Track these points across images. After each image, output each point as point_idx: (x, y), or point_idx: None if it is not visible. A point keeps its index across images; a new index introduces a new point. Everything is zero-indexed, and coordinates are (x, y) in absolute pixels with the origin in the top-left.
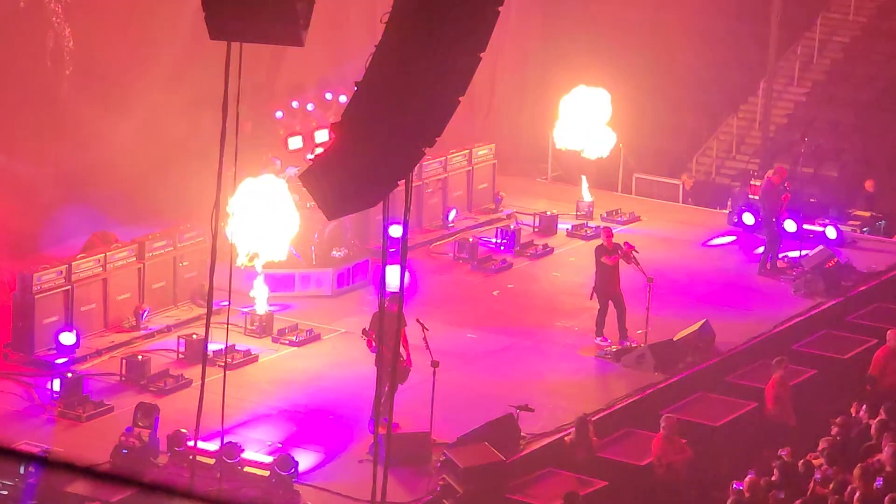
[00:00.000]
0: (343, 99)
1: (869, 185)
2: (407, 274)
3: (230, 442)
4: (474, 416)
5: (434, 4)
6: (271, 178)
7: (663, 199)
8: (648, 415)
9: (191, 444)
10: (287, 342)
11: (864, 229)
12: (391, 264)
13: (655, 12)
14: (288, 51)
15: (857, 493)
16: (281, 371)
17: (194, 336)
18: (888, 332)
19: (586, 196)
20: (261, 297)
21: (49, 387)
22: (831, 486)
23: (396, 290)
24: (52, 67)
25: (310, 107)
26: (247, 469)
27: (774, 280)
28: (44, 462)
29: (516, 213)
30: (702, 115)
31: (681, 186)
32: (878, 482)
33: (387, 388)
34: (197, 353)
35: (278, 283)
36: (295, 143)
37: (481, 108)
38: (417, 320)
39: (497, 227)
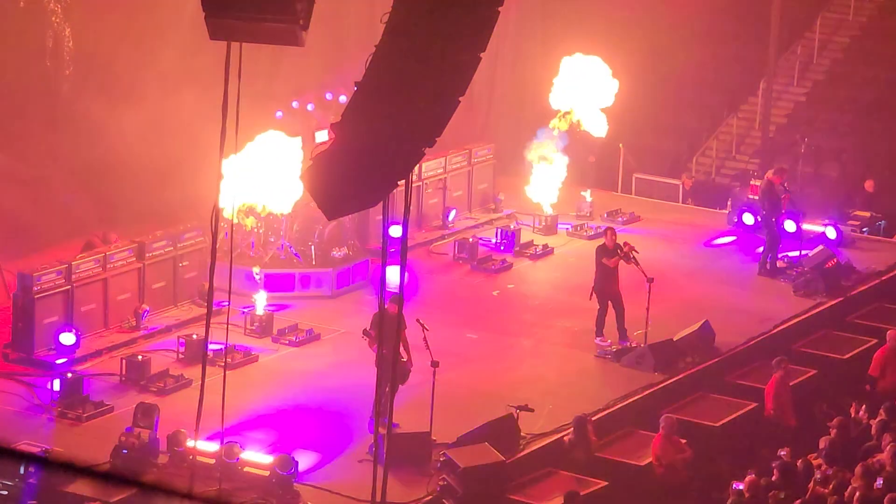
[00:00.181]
0: (343, 99)
1: (869, 185)
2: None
3: (230, 442)
4: (474, 416)
5: (434, 4)
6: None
7: (663, 199)
8: (648, 415)
9: (191, 444)
10: (287, 342)
11: (864, 229)
12: (391, 264)
13: (655, 12)
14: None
15: (857, 494)
16: (281, 371)
17: (194, 336)
18: (888, 332)
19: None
20: (261, 299)
21: (49, 387)
22: (831, 486)
23: (396, 290)
24: (51, 67)
25: (310, 107)
26: (247, 469)
27: (774, 280)
28: (44, 462)
29: (516, 213)
30: (702, 115)
31: (681, 186)
32: (878, 482)
33: (387, 389)
34: (197, 353)
35: (278, 283)
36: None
37: (481, 108)
38: (417, 320)
39: (497, 228)
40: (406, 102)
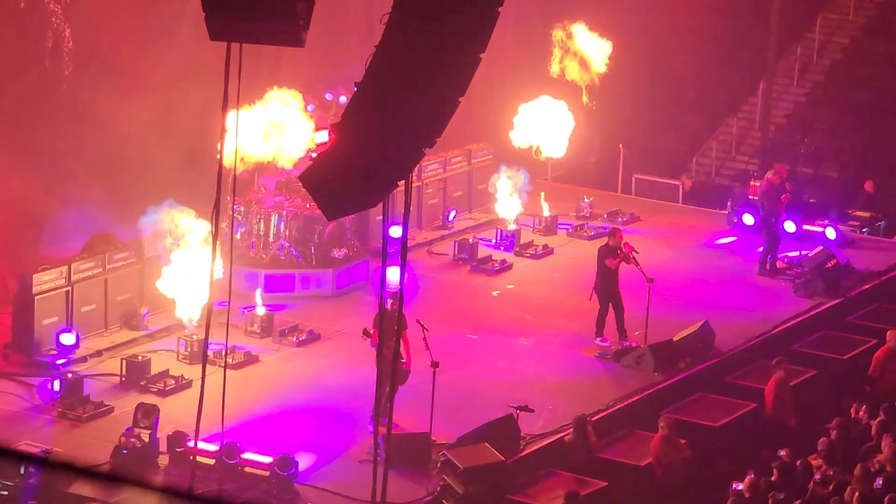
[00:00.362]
0: (343, 99)
1: (868, 185)
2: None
3: (230, 442)
4: (474, 416)
5: (434, 5)
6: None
7: (663, 199)
8: (648, 415)
9: (191, 444)
10: (287, 342)
11: (864, 230)
12: (391, 265)
13: (655, 12)
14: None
15: (857, 494)
16: (281, 371)
17: (194, 337)
18: (888, 332)
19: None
20: (259, 301)
21: (49, 387)
22: (831, 486)
23: (396, 290)
24: (50, 67)
25: (310, 107)
26: (247, 469)
27: (774, 280)
28: (44, 462)
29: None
30: (702, 115)
31: (680, 187)
32: (878, 482)
33: (387, 389)
34: (197, 353)
35: (279, 283)
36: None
37: (481, 109)
38: (417, 321)
39: (497, 228)
40: (406, 103)
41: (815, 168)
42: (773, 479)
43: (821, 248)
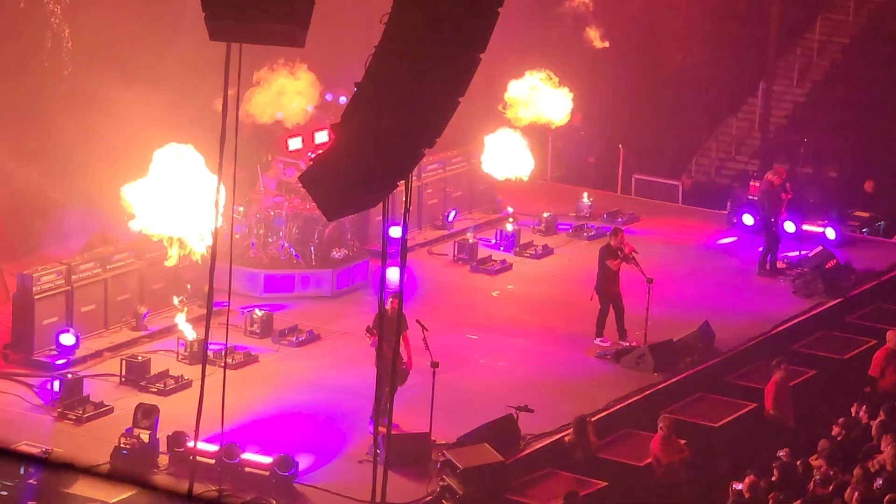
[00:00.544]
0: (343, 100)
1: (868, 185)
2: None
3: (230, 443)
4: (474, 416)
5: (434, 5)
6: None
7: (663, 199)
8: (648, 415)
9: (191, 444)
10: (287, 343)
11: (864, 230)
12: (391, 265)
13: (655, 12)
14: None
15: (856, 494)
16: (281, 372)
17: (193, 338)
18: (888, 332)
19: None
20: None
21: (49, 388)
22: (831, 487)
23: (396, 290)
24: (49, 68)
25: (309, 107)
26: (247, 469)
27: (774, 280)
28: (44, 463)
29: (515, 213)
30: (702, 115)
31: (680, 187)
32: (878, 483)
33: (387, 389)
34: (197, 353)
35: (278, 283)
36: (295, 144)
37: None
38: (417, 321)
39: (497, 229)
40: (406, 103)
41: (814, 168)
42: (772, 479)
43: (820, 248)
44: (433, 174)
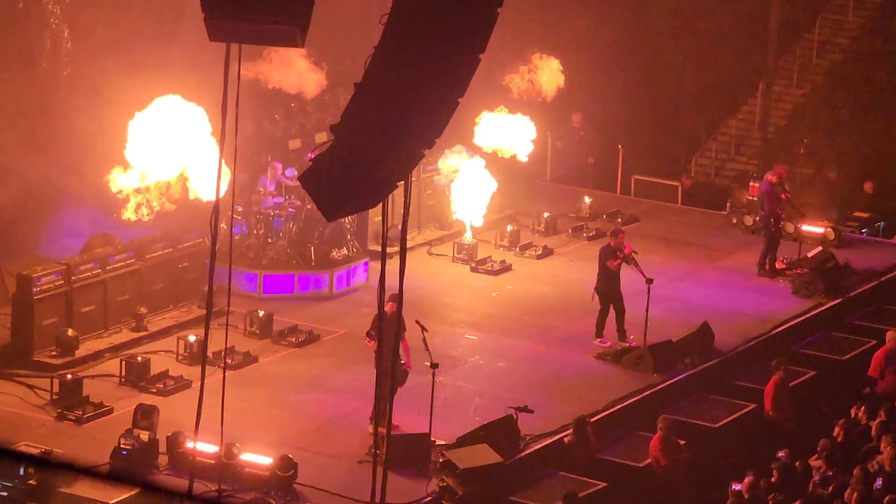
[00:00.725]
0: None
1: (868, 186)
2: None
3: (230, 443)
4: (473, 417)
5: (433, 5)
6: None
7: (662, 200)
8: (648, 416)
9: (190, 445)
10: (287, 343)
11: (864, 230)
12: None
13: (655, 12)
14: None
15: (856, 495)
16: (280, 372)
17: (193, 339)
18: (887, 333)
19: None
20: None
21: (49, 388)
22: (830, 487)
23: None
24: (48, 68)
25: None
26: (246, 470)
27: (774, 281)
28: (44, 463)
29: (516, 213)
30: (701, 115)
31: (679, 187)
32: (878, 483)
33: (387, 390)
34: (196, 354)
35: (278, 284)
36: (294, 144)
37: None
38: (417, 321)
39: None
40: (405, 104)
41: (814, 169)
42: (772, 479)
43: (820, 248)
44: (433, 174)
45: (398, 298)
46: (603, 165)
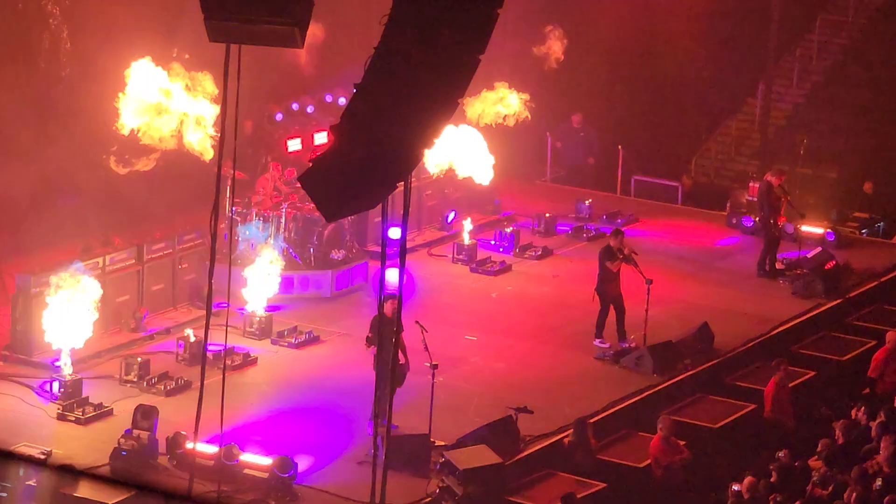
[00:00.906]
0: (342, 101)
1: (867, 187)
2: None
3: (229, 444)
4: (473, 417)
5: (433, 5)
6: None
7: (662, 200)
8: (647, 416)
9: (190, 446)
10: (286, 344)
11: (863, 231)
12: (390, 266)
13: (655, 12)
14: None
15: (855, 495)
16: (280, 373)
17: (192, 338)
18: (887, 333)
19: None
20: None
21: (49, 389)
22: (830, 488)
23: (395, 292)
24: (47, 68)
25: (309, 109)
26: (246, 471)
27: (773, 281)
28: (43, 464)
29: (515, 214)
30: (701, 116)
31: (680, 188)
32: (877, 484)
33: (386, 390)
34: (196, 354)
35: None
36: (294, 145)
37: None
38: (416, 322)
39: (496, 230)
40: (405, 104)
41: (814, 169)
42: (772, 480)
43: (820, 248)
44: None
45: (398, 298)
46: (603, 166)
